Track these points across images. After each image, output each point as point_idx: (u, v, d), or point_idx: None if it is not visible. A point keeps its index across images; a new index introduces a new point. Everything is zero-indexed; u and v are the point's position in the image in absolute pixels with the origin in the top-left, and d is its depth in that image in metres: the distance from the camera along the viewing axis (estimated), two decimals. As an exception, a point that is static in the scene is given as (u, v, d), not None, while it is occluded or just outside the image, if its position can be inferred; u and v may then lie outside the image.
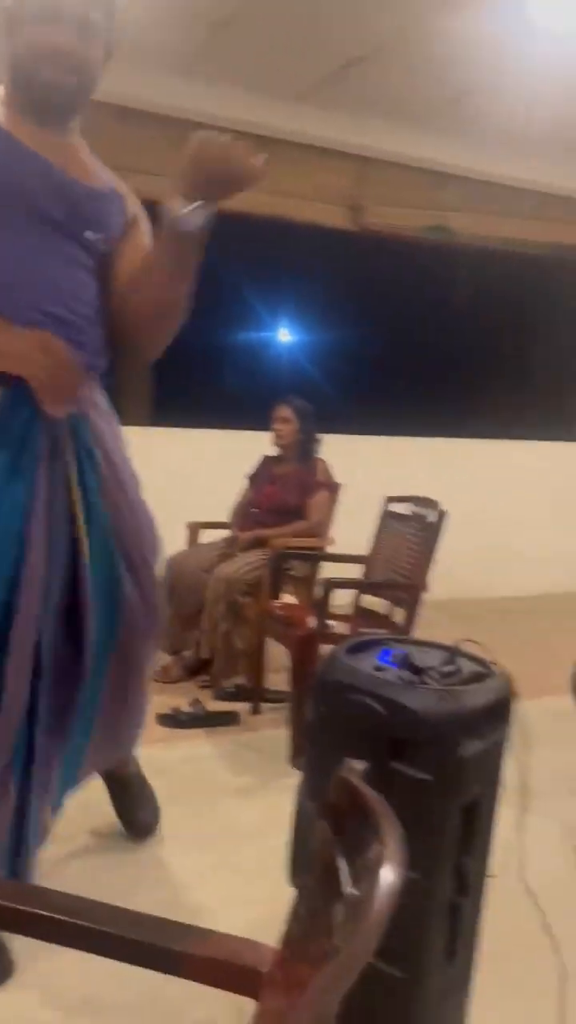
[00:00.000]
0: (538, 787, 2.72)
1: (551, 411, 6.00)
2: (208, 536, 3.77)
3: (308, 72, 4.33)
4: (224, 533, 3.71)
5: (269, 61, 4.22)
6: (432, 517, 3.17)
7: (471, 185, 5.47)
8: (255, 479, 3.84)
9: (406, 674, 1.35)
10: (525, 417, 5.86)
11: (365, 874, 0.65)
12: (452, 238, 5.52)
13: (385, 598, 3.31)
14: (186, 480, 4.10)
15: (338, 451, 3.81)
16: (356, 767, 0.84)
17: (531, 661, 3.84)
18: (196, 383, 4.79)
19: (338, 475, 3.73)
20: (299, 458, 3.72)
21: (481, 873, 1.41)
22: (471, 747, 1.26)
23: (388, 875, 0.62)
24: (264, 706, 3.29)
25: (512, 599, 5.40)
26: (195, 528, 3.79)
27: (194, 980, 0.91)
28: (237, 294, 5.04)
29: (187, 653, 3.53)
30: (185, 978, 0.91)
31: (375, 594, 3.41)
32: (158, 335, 1.84)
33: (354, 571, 3.48)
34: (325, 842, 0.80)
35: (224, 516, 3.81)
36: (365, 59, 4.15)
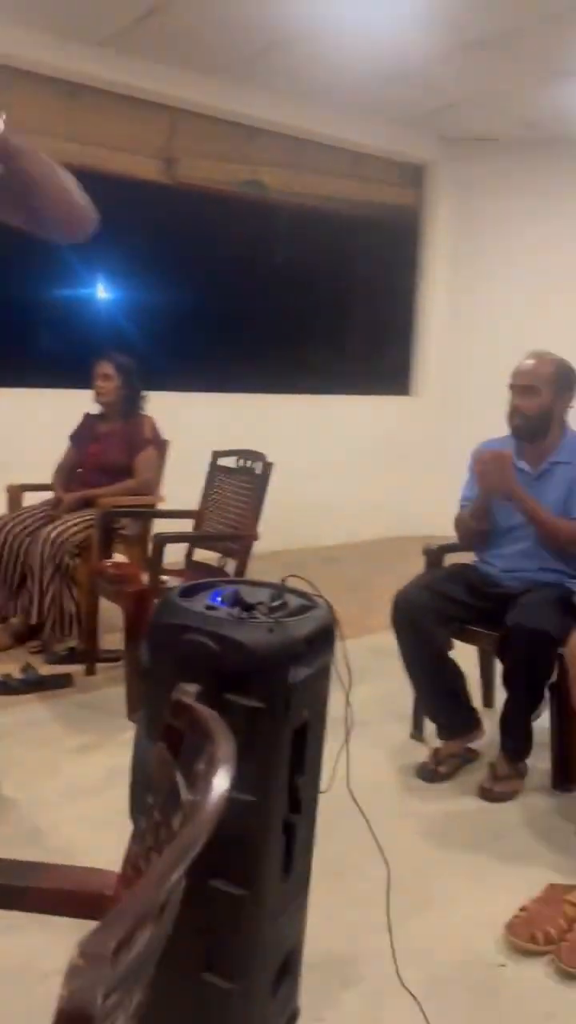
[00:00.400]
0: (363, 716, 2.90)
1: (369, 366, 6.24)
2: (30, 499, 3.66)
3: (112, 17, 4.19)
4: (48, 495, 3.62)
5: (71, 3, 4.04)
6: (259, 469, 3.25)
7: (285, 141, 5.53)
8: (78, 438, 3.76)
9: (236, 611, 1.41)
10: (344, 372, 6.06)
11: (199, 779, 0.70)
12: (268, 194, 5.57)
13: (217, 550, 3.37)
14: (3, 442, 3.96)
15: (164, 408, 3.80)
16: (189, 690, 0.89)
17: (356, 604, 4.05)
18: (7, 342, 4.60)
19: (165, 432, 3.72)
20: (123, 415, 3.68)
21: (313, 792, 1.51)
22: (299, 674, 1.34)
23: (220, 775, 0.67)
24: (100, 666, 3.28)
25: (337, 547, 5.63)
26: (16, 491, 3.67)
27: (42, 912, 0.93)
28: (48, 248, 4.84)
29: (14, 620, 3.44)
30: (33, 911, 0.93)
31: (207, 547, 3.46)
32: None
33: (185, 526, 3.51)
34: (163, 762, 0.85)
35: (46, 478, 3.71)
36: (168, 6, 4.06)
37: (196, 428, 4.12)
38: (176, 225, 5.25)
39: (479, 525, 2.68)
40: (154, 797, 0.85)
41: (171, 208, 5.22)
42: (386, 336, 6.32)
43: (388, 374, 6.31)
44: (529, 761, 2.49)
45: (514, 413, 2.63)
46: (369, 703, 3.02)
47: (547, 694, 2.41)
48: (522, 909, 1.86)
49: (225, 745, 0.72)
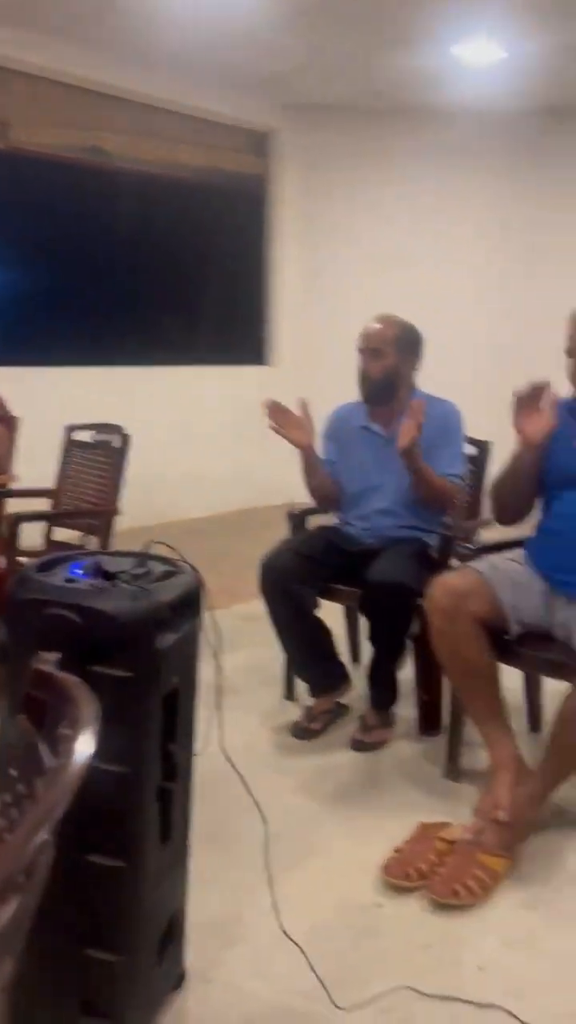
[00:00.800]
0: (236, 683, 2.93)
1: (224, 336, 6.20)
2: None
3: None
4: None
5: None
6: (116, 442, 3.18)
7: (127, 106, 5.37)
8: None
9: (98, 581, 1.37)
10: (200, 343, 6.00)
11: (62, 744, 0.68)
12: (111, 161, 5.40)
13: (77, 528, 3.28)
14: None
15: (11, 383, 3.64)
16: (49, 658, 0.86)
17: (224, 573, 4.05)
18: None
19: (14, 408, 3.56)
20: (-32, 392, 3.49)
21: (188, 758, 1.50)
22: (166, 640, 1.33)
23: (84, 737, 0.66)
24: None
25: (202, 519, 5.61)
26: None
27: None
28: None
29: None
30: None
31: (67, 525, 3.36)
32: None
33: (42, 506, 3.39)
34: (25, 733, 0.82)
35: None
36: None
37: (47, 403, 3.97)
38: (13, 192, 5.00)
39: (312, 480, 2.74)
40: (17, 770, 0.82)
41: (7, 174, 4.97)
42: (240, 306, 6.29)
43: (244, 344, 6.30)
44: (396, 710, 2.59)
45: (364, 377, 2.68)
46: (241, 670, 3.05)
47: (411, 645, 2.50)
48: (396, 850, 1.93)
49: (88, 708, 0.70)
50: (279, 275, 6.26)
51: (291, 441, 2.65)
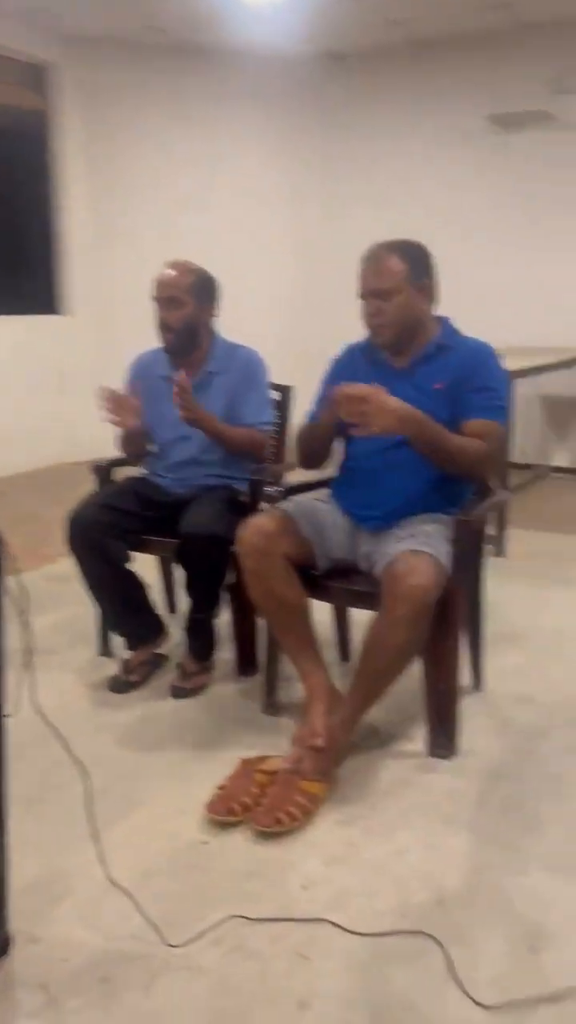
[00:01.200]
0: (48, 644, 2.86)
1: (12, 284, 5.85)
2: None
3: None
4: None
5: None
6: None
7: None
8: None
9: None
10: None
11: None
12: None
13: None
14: None
15: None
16: None
17: (28, 535, 3.91)
18: None
19: None
20: None
21: (-2, 721, 1.45)
22: (-35, 600, 1.27)
23: None
24: None
25: (1, 480, 5.35)
26: None
27: None
28: None
29: None
30: None
31: None
32: None
33: None
34: None
35: None
36: None
37: None
38: None
39: (137, 450, 2.71)
40: None
41: None
42: (28, 252, 5.94)
43: (35, 293, 5.97)
44: (214, 654, 2.62)
45: (163, 327, 2.62)
46: (52, 630, 2.97)
47: (226, 593, 2.53)
48: (219, 787, 1.97)
49: None
50: (68, 219, 5.95)
51: (125, 427, 2.58)
